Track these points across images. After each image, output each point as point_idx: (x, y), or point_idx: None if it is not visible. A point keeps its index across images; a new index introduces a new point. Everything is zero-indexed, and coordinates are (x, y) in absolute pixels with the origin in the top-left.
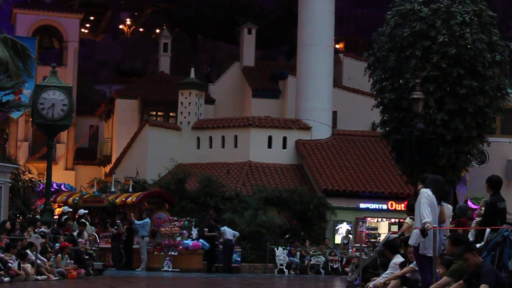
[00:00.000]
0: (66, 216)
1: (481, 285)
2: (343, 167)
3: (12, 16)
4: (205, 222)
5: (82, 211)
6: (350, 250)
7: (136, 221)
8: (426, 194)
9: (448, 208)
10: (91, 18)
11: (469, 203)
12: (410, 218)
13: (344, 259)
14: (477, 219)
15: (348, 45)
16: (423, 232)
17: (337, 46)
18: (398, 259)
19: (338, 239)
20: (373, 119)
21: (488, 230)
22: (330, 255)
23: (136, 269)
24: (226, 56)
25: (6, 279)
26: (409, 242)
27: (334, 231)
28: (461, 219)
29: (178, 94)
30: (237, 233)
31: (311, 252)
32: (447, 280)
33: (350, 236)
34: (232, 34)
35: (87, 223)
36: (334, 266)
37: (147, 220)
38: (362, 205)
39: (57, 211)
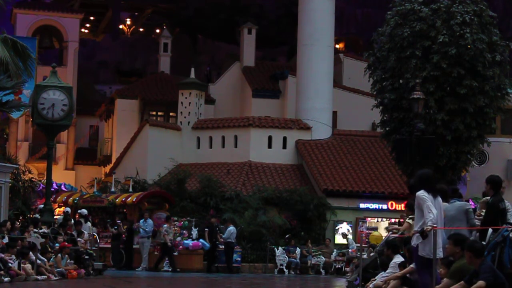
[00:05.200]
0: (64, 216)
1: (478, 281)
2: (343, 167)
3: (12, 16)
4: (205, 222)
5: (84, 211)
6: (350, 250)
7: (141, 222)
8: (424, 197)
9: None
10: (91, 18)
11: (471, 203)
12: (410, 218)
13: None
14: (476, 220)
15: (348, 45)
16: (422, 234)
17: (337, 46)
18: (398, 259)
19: (338, 239)
20: (373, 119)
21: (490, 230)
22: (339, 256)
23: (137, 269)
24: (226, 56)
25: (6, 279)
26: (410, 243)
27: (334, 231)
28: None
29: (178, 94)
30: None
31: (312, 253)
32: (447, 282)
33: (348, 237)
34: (232, 34)
35: (82, 221)
36: (337, 266)
37: (151, 221)
38: (362, 205)
39: (58, 211)
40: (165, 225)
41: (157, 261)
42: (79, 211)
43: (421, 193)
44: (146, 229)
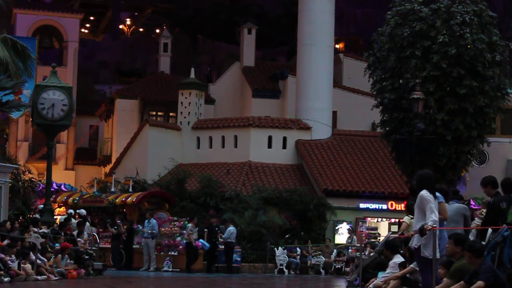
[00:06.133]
0: (65, 217)
1: (477, 282)
2: (343, 167)
3: (12, 16)
4: (205, 222)
5: (83, 211)
6: (350, 250)
7: (145, 223)
8: (428, 197)
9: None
10: (91, 18)
11: (472, 203)
12: (408, 216)
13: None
14: (477, 220)
15: (348, 45)
16: (421, 232)
17: (337, 46)
18: (398, 259)
19: (338, 239)
20: (373, 119)
21: (490, 230)
22: (339, 256)
23: (141, 269)
24: (226, 56)
25: (6, 279)
26: (409, 244)
27: (334, 231)
28: None
29: (178, 94)
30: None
31: (312, 253)
32: (447, 282)
33: (354, 235)
34: (232, 34)
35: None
36: (337, 267)
37: (154, 221)
38: (362, 205)
39: (58, 211)
40: (190, 225)
41: (188, 263)
42: (77, 211)
43: (425, 193)
44: (154, 231)
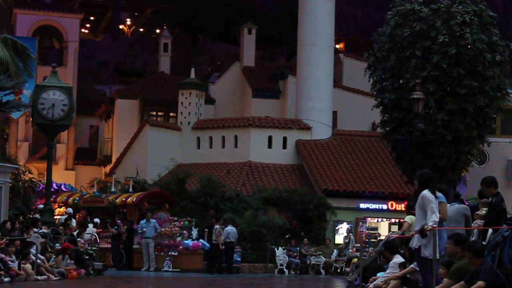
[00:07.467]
0: (66, 216)
1: (478, 282)
2: (343, 167)
3: (12, 16)
4: (205, 223)
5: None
6: (350, 250)
7: (142, 222)
8: (430, 197)
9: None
10: (91, 18)
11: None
12: (409, 215)
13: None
14: (478, 221)
15: (348, 45)
16: (422, 232)
17: (337, 46)
18: (398, 259)
19: (338, 239)
20: (373, 119)
21: (490, 230)
22: (340, 256)
23: (143, 269)
24: (226, 56)
25: (6, 279)
26: (410, 244)
27: (334, 231)
28: None
29: (178, 94)
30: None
31: (313, 253)
32: (448, 282)
33: (351, 235)
34: (232, 34)
35: (90, 225)
36: (337, 266)
37: (154, 220)
38: (362, 205)
39: (58, 211)
40: (217, 226)
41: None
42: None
43: (427, 194)
44: (158, 230)
